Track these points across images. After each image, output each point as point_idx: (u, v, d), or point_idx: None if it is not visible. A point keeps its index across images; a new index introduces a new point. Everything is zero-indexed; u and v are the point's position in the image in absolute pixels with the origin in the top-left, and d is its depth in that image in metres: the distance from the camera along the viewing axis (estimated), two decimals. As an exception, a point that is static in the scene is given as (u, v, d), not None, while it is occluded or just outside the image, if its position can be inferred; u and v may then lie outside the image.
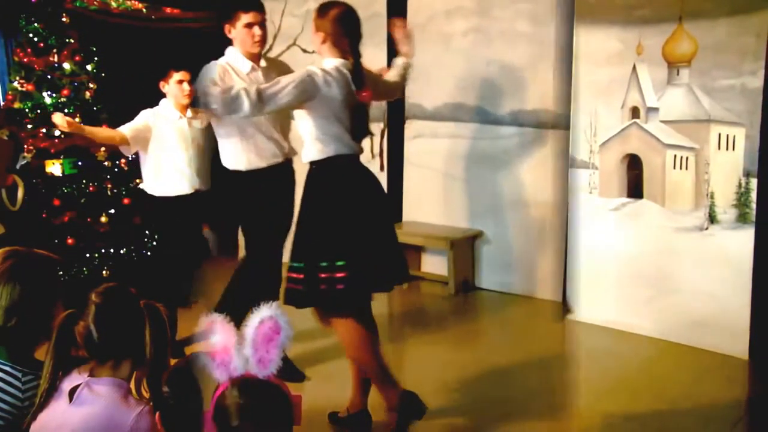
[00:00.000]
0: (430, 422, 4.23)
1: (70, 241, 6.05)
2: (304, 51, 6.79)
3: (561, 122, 6.03)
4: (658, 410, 4.54)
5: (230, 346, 2.14)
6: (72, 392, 2.49)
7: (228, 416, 2.09)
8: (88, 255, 6.15)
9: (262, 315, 2.15)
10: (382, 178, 6.57)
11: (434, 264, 6.67)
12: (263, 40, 4.49)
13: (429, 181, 6.71)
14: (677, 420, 4.43)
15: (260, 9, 4.48)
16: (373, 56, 6.68)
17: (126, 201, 6.43)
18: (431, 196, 6.71)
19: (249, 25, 4.44)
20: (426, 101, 6.66)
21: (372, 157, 6.72)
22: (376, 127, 6.65)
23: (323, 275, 3.67)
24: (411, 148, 6.79)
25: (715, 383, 4.92)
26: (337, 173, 3.79)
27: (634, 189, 5.78)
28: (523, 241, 6.34)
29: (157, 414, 2.23)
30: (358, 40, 3.84)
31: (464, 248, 6.37)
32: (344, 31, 3.80)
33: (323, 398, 4.43)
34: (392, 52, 6.62)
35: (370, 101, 3.88)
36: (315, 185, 3.80)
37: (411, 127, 6.78)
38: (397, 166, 6.80)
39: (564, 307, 6.04)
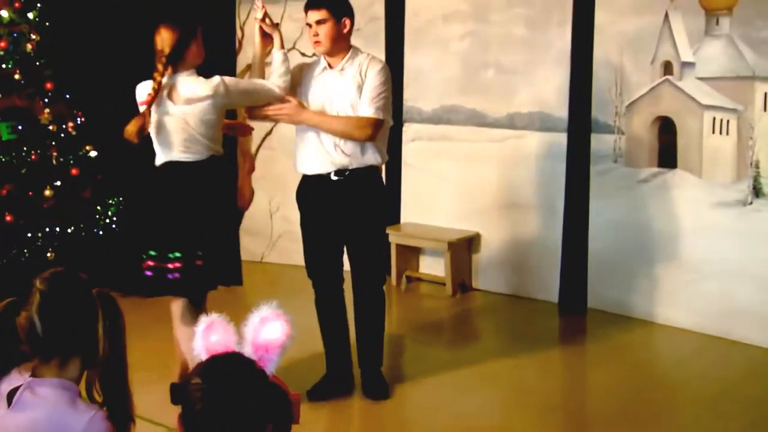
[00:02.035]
0: (428, 423, 4.54)
1: (8, 217, 5.98)
2: (303, 54, 7.15)
3: (557, 125, 6.28)
4: (695, 413, 4.58)
5: (231, 344, 2.26)
6: (11, 395, 2.41)
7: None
8: (30, 234, 6.06)
9: (262, 314, 2.27)
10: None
11: (432, 265, 7.04)
12: (322, 40, 4.64)
13: (426, 183, 7.06)
14: (718, 424, 4.45)
15: (315, 6, 4.63)
16: None
17: (74, 171, 6.34)
18: (429, 198, 7.05)
19: (308, 25, 4.65)
20: (423, 104, 7.01)
21: None
22: None
23: (170, 265, 4.48)
24: (408, 151, 7.14)
25: (761, 382, 4.94)
26: (163, 178, 4.57)
27: (667, 157, 5.75)
28: (520, 242, 6.59)
29: (178, 415, 2.19)
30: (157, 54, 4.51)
31: (461, 250, 6.79)
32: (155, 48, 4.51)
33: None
34: (390, 55, 7.06)
35: (144, 108, 4.47)
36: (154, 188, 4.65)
37: (409, 130, 7.11)
38: (395, 168, 7.19)
39: (561, 306, 6.33)
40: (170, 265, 4.47)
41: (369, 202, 4.71)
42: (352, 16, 4.64)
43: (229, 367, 2.15)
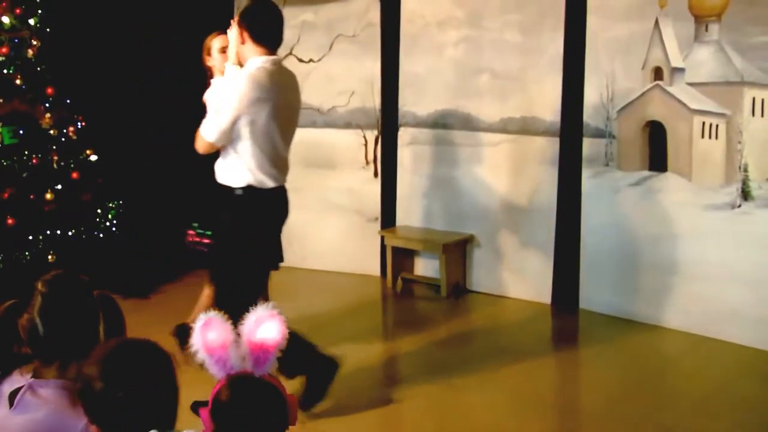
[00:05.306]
0: (423, 423, 4.61)
1: (10, 221, 5.96)
2: (300, 60, 7.31)
3: (550, 129, 6.28)
4: (685, 412, 4.59)
5: (228, 343, 2.29)
6: (12, 396, 2.42)
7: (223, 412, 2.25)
8: (31, 237, 6.06)
9: (258, 314, 2.32)
10: (376, 184, 7.19)
11: (427, 267, 7.06)
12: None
13: (422, 186, 7.06)
14: (707, 424, 4.45)
15: None
16: (368, 64, 7.07)
17: (74, 175, 6.33)
18: (424, 200, 7.06)
19: None
20: (419, 109, 7.01)
21: (366, 163, 7.25)
22: (371, 135, 7.21)
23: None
24: (404, 154, 7.13)
25: (750, 382, 4.95)
26: None
27: (657, 161, 5.75)
28: (513, 244, 6.58)
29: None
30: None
31: (456, 252, 6.78)
32: None
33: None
34: (386, 60, 7.06)
35: None
36: None
37: (404, 134, 7.11)
38: (391, 172, 7.21)
39: (554, 306, 6.34)
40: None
41: (222, 224, 4.53)
42: (248, 27, 4.35)
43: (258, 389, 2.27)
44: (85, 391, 2.14)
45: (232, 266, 4.45)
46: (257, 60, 4.32)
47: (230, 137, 4.26)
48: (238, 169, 4.34)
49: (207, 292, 5.06)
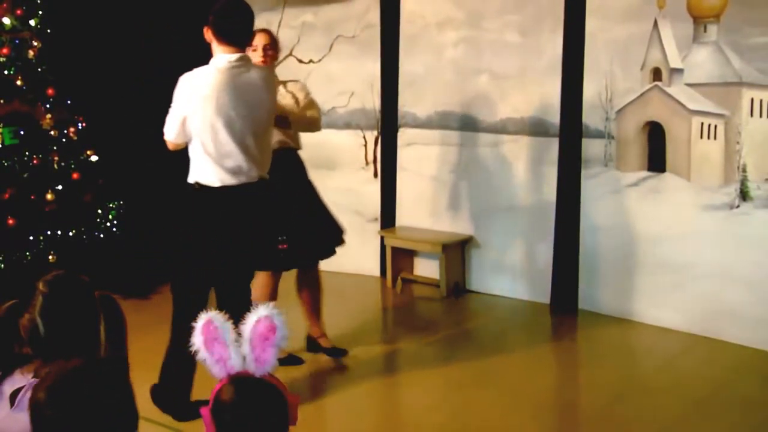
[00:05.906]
0: (422, 422, 4.55)
1: (10, 221, 5.96)
2: (300, 61, 7.38)
3: (549, 130, 6.28)
4: (685, 412, 4.58)
5: (228, 343, 2.29)
6: (14, 396, 2.41)
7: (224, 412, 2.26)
8: (31, 237, 6.05)
9: (258, 314, 2.30)
10: (376, 184, 7.24)
11: (426, 267, 7.05)
12: None
13: (421, 187, 7.06)
14: (705, 424, 4.45)
15: None
16: (368, 65, 7.11)
17: (75, 176, 6.33)
18: (423, 201, 7.06)
19: None
20: (418, 110, 7.02)
21: (366, 163, 7.29)
22: (371, 135, 7.25)
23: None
24: (404, 155, 7.14)
25: (749, 382, 4.94)
26: None
27: (656, 161, 5.75)
28: (512, 244, 6.59)
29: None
30: None
31: (455, 252, 6.79)
32: None
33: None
34: (386, 61, 7.08)
35: None
36: None
37: (404, 135, 7.12)
38: (391, 172, 7.22)
39: (553, 306, 6.32)
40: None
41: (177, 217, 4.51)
42: (212, 25, 4.28)
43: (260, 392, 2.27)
44: (36, 417, 2.07)
45: (176, 261, 4.49)
46: (216, 58, 4.30)
47: (185, 135, 4.27)
48: (192, 166, 4.34)
49: (260, 282, 5.04)
